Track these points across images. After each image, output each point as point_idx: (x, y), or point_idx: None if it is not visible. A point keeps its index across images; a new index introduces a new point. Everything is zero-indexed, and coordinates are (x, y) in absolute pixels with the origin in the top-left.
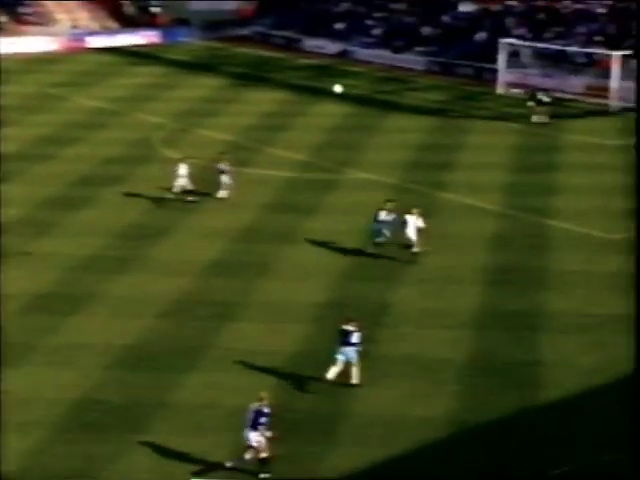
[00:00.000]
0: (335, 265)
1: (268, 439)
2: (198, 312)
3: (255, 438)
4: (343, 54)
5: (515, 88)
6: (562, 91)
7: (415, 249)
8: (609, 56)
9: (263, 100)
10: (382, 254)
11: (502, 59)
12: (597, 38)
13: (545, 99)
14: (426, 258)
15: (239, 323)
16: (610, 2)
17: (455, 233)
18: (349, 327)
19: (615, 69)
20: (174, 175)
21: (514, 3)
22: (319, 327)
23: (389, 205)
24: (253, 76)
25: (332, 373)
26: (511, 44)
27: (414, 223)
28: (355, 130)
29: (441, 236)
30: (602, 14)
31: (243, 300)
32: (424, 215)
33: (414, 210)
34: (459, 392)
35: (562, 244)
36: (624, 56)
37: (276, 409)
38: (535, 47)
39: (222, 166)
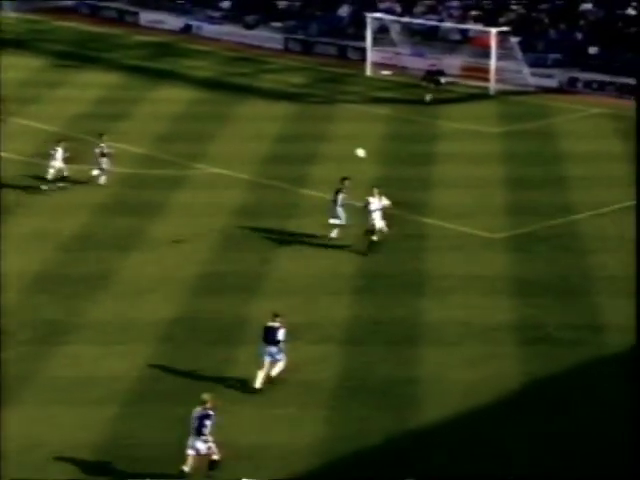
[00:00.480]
0: (183, 275)
1: (215, 442)
2: (19, 336)
3: (203, 445)
4: (186, 30)
5: (385, 69)
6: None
7: (375, 237)
8: (486, 33)
9: (93, 84)
10: (242, 260)
11: (369, 36)
12: (472, 13)
13: (443, 80)
14: (281, 265)
15: (70, 346)
16: None
17: (322, 234)
18: (274, 324)
19: (493, 48)
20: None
21: None
22: (167, 348)
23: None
24: (80, 55)
25: (259, 380)
26: (379, 19)
27: (378, 205)
28: (203, 119)
29: (308, 237)
30: None
31: (74, 319)
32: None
33: (375, 190)
34: (328, 417)
35: (440, 245)
36: (502, 33)
37: (115, 446)
38: (405, 22)
39: (102, 148)
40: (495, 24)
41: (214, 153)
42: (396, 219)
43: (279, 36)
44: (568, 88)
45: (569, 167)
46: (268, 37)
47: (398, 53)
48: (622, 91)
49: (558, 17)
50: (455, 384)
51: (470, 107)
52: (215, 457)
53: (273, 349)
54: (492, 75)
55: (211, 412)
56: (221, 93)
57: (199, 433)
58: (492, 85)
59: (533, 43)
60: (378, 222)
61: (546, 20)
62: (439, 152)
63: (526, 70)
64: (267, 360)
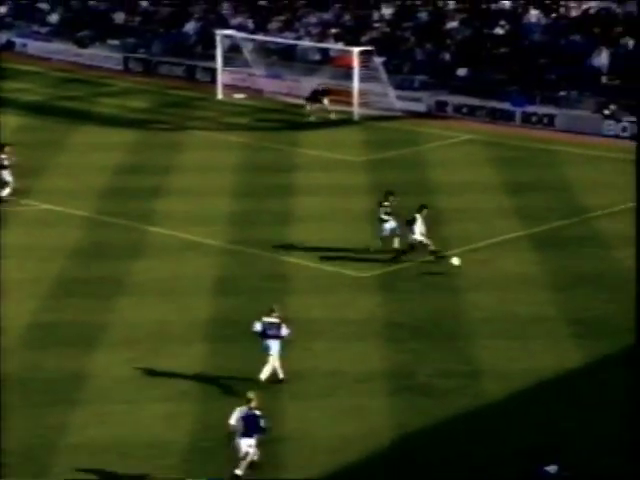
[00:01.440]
0: (12, 326)
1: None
2: None
3: (247, 445)
4: (8, 47)
5: (238, 92)
6: (294, 95)
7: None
8: (348, 52)
9: None
10: (79, 309)
11: (220, 56)
12: (332, 31)
13: (325, 101)
14: (125, 313)
15: None
16: None
17: (172, 276)
18: (271, 319)
19: (356, 68)
20: None
21: None
22: None
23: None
24: None
25: (265, 372)
26: (229, 37)
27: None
28: (31, 148)
29: (155, 280)
30: (335, 1)
31: None
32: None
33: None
34: None
35: (303, 286)
36: (365, 52)
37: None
38: (259, 41)
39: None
40: (357, 43)
41: (45, 187)
42: (253, 258)
43: (117, 55)
44: (437, 112)
45: (440, 199)
46: (105, 56)
47: (252, 74)
48: (494, 116)
49: (424, 36)
50: (322, 441)
51: (333, 133)
52: (255, 458)
53: (272, 342)
54: (356, 98)
55: (257, 412)
56: (52, 119)
57: (247, 434)
58: (356, 109)
59: (398, 64)
60: (418, 237)
61: (411, 39)
62: (299, 183)
63: (392, 93)
64: (272, 353)
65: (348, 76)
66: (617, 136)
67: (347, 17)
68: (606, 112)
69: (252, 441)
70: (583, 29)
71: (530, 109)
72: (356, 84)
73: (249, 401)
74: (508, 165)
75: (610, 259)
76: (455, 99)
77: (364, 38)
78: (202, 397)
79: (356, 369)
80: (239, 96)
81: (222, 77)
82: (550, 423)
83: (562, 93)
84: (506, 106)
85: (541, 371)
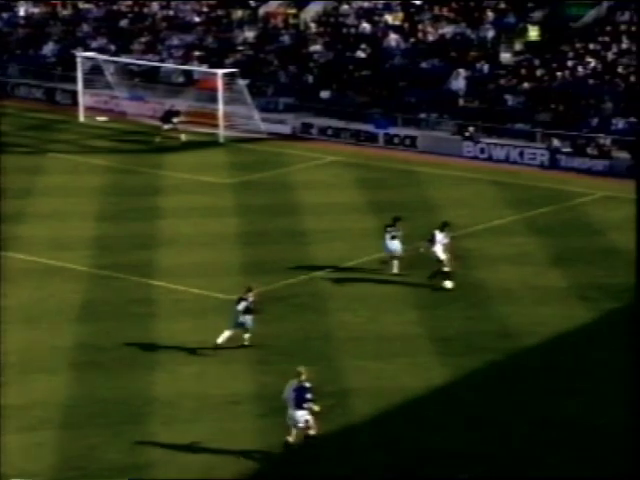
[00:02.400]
0: None
1: (315, 415)
2: None
3: (303, 417)
4: None
5: (100, 115)
6: (158, 117)
7: (446, 268)
8: (212, 75)
9: None
10: None
11: (80, 78)
12: (196, 53)
13: (175, 120)
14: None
15: None
16: (206, 10)
17: (35, 302)
18: (248, 296)
19: (220, 91)
20: None
21: (89, 6)
22: None
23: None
24: None
25: (223, 338)
26: (91, 59)
27: (442, 240)
28: None
29: (17, 307)
30: (198, 23)
31: None
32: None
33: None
34: None
35: (170, 310)
36: (229, 75)
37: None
38: (121, 63)
39: None
40: (221, 65)
41: None
42: (119, 283)
43: None
44: (302, 134)
45: (307, 220)
46: None
47: (114, 97)
48: (358, 138)
49: (287, 59)
50: (190, 465)
51: (198, 156)
52: (312, 432)
53: (247, 317)
54: (221, 120)
55: (308, 384)
56: None
57: (298, 405)
58: (221, 131)
59: (262, 86)
60: (441, 254)
61: (275, 62)
62: (165, 206)
63: (257, 115)
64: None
65: (213, 98)
66: (476, 157)
67: (210, 40)
68: (465, 134)
69: (305, 412)
70: (440, 53)
71: (392, 131)
72: (221, 106)
73: (299, 374)
74: (372, 186)
75: (471, 277)
76: (320, 121)
77: (228, 61)
78: (66, 426)
79: (224, 392)
80: (102, 119)
81: (83, 99)
82: (416, 440)
83: (422, 115)
84: (369, 128)
85: (408, 389)
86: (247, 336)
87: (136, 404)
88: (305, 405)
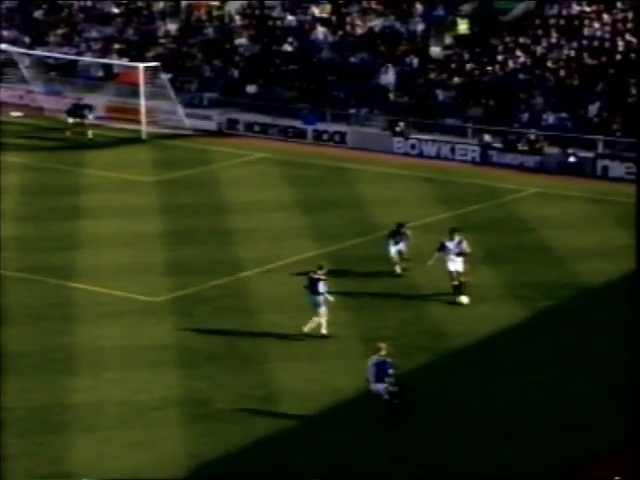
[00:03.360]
0: None
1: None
2: None
3: (385, 390)
4: None
5: (15, 110)
6: None
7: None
8: (133, 69)
9: None
10: None
11: None
12: (116, 46)
13: (90, 116)
14: None
15: None
16: (126, 1)
17: None
18: (317, 275)
19: (142, 85)
20: None
21: None
22: None
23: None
24: None
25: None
26: (4, 51)
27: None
28: None
29: None
30: (117, 15)
31: None
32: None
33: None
34: None
35: (91, 312)
36: (151, 69)
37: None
38: (37, 56)
39: None
40: (142, 59)
41: None
42: (37, 285)
43: None
44: (228, 130)
45: (233, 219)
46: None
47: (30, 91)
48: (286, 134)
49: (212, 52)
50: (112, 474)
51: (119, 153)
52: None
53: (319, 298)
54: (143, 116)
55: (388, 359)
56: None
57: (379, 379)
58: (143, 128)
59: (186, 81)
60: (455, 265)
61: (199, 55)
62: (85, 205)
63: (181, 111)
64: (319, 309)
65: (134, 93)
66: (406, 153)
67: (130, 32)
68: (396, 129)
69: (386, 385)
70: (369, 47)
71: (321, 127)
72: (142, 102)
73: (379, 349)
74: (301, 183)
75: (403, 277)
76: (246, 117)
77: (149, 54)
78: None
79: (149, 398)
80: (16, 114)
81: None
82: (349, 443)
83: (352, 111)
84: (297, 124)
85: (338, 391)
86: (323, 322)
87: (55, 412)
88: (386, 379)
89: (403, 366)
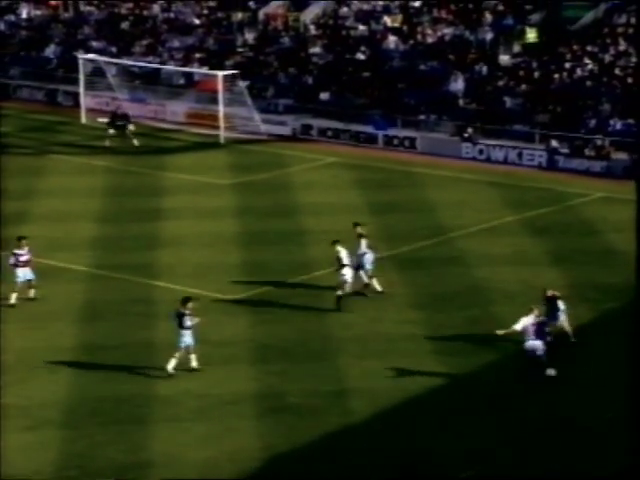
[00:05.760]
0: None
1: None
2: None
3: (542, 346)
4: None
5: (102, 116)
6: (160, 119)
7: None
8: (212, 76)
9: None
10: None
11: (82, 80)
12: (196, 55)
13: (130, 127)
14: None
15: None
16: (206, 12)
17: (37, 302)
18: (185, 310)
19: (221, 92)
20: None
21: (90, 9)
22: None
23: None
24: None
25: (172, 364)
26: (92, 61)
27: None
28: None
29: (19, 307)
30: (198, 26)
31: None
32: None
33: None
34: None
35: (170, 309)
36: (229, 76)
37: None
38: (122, 65)
39: None
40: (221, 67)
41: None
42: (120, 283)
43: None
44: (302, 136)
45: (306, 220)
46: None
47: (115, 98)
48: (357, 139)
49: (287, 61)
50: (191, 465)
51: (199, 157)
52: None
53: (185, 333)
54: (221, 122)
55: (545, 319)
56: None
57: (538, 336)
58: (222, 133)
59: (263, 88)
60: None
61: (275, 64)
62: (166, 207)
63: (257, 117)
64: (182, 345)
65: (213, 100)
66: (474, 158)
67: (211, 42)
68: (464, 135)
69: (542, 342)
70: (439, 55)
71: (392, 132)
72: (221, 108)
73: (532, 310)
74: (371, 187)
75: (470, 277)
76: (319, 122)
77: (228, 62)
78: (67, 425)
79: (225, 391)
80: (103, 120)
81: (85, 101)
82: (416, 439)
83: (422, 117)
84: (369, 129)
85: (406, 388)
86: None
87: (137, 403)
88: (546, 337)
89: (469, 366)
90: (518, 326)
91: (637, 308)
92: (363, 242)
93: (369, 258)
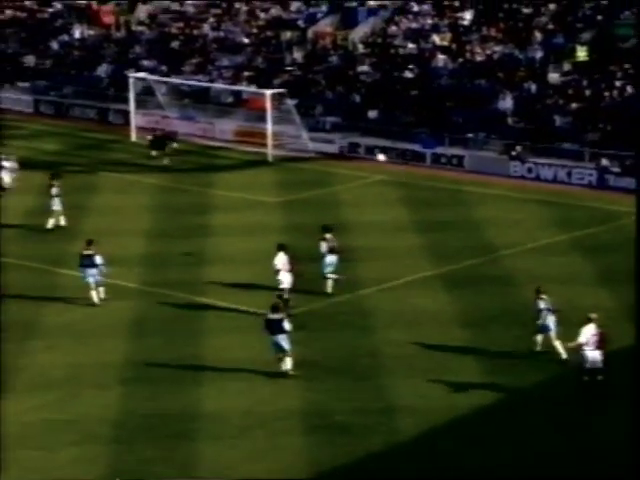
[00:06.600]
0: None
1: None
2: None
3: (601, 357)
4: None
5: (152, 134)
6: (209, 137)
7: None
8: (261, 94)
9: None
10: None
11: (132, 98)
12: (245, 73)
13: (174, 145)
14: (38, 356)
15: None
16: (256, 31)
17: (85, 318)
18: (280, 315)
19: (269, 111)
20: None
21: (142, 29)
22: None
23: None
24: None
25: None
26: (142, 79)
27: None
28: None
29: (68, 323)
30: (247, 45)
31: None
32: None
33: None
34: None
35: (218, 326)
36: (277, 95)
37: None
38: (172, 83)
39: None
40: (270, 86)
41: None
42: (168, 299)
43: (28, 98)
44: (349, 154)
45: (354, 238)
46: (14, 99)
47: (166, 117)
48: (405, 157)
49: (335, 79)
50: None
51: (247, 175)
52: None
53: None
54: (269, 140)
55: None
56: None
57: (599, 347)
58: (270, 151)
59: (310, 106)
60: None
61: (323, 82)
62: (214, 224)
63: (305, 135)
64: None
65: (261, 118)
66: (523, 177)
67: (259, 60)
68: (512, 153)
69: (600, 352)
70: (488, 74)
71: (439, 150)
72: (269, 126)
73: (591, 320)
74: (419, 205)
75: (518, 296)
76: (367, 140)
77: (276, 81)
78: (116, 440)
79: (272, 408)
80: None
81: (135, 119)
82: (463, 459)
83: (470, 135)
84: (416, 147)
85: (454, 407)
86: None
87: (184, 419)
88: (604, 347)
89: (518, 385)
90: (582, 338)
91: (637, 311)
92: (323, 245)
93: (330, 260)
